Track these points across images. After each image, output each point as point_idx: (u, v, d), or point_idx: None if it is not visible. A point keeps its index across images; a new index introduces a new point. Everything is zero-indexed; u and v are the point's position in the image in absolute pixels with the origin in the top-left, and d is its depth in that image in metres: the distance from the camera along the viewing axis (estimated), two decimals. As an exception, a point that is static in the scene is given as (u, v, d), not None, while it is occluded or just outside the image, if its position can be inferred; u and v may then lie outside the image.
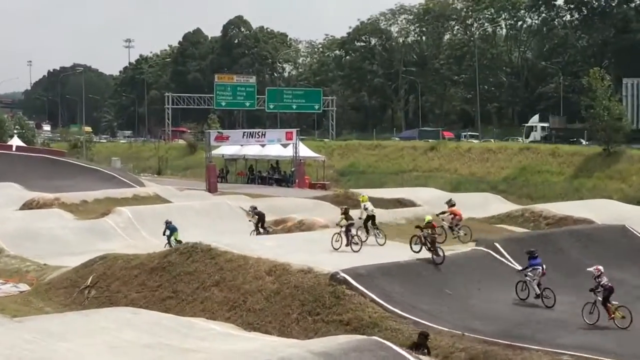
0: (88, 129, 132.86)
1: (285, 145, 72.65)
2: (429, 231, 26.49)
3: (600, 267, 22.49)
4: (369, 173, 79.76)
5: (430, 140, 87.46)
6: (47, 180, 59.93)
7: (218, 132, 72.42)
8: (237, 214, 43.80)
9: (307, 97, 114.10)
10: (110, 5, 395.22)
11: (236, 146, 74.26)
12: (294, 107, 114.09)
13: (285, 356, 15.87)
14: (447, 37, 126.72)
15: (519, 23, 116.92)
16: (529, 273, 24.48)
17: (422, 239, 26.52)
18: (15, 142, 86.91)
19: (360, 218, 29.33)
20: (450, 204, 31.66)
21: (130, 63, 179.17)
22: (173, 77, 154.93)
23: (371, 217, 29.58)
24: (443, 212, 29.95)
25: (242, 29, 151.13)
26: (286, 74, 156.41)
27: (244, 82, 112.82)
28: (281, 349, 16.56)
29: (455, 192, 58.77)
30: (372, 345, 16.95)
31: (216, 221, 41.44)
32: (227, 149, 75.74)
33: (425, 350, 16.81)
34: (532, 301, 24.29)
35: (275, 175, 73.88)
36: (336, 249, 27.77)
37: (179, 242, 33.24)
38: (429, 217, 27.71)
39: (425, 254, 26.65)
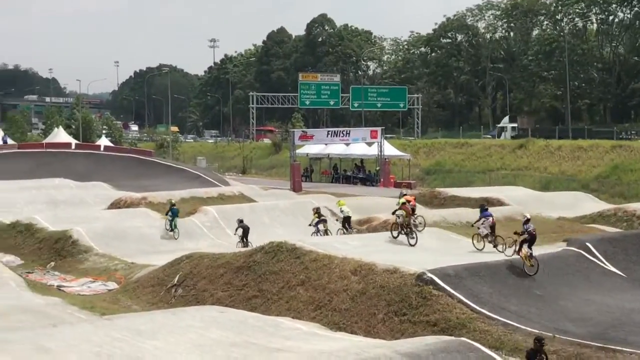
0: (174, 128, 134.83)
1: (370, 144, 72.56)
2: (404, 213, 29.68)
3: (527, 214, 26.88)
4: (455, 172, 79.09)
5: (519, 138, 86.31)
6: (134, 179, 61.03)
7: (302, 131, 72.75)
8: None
9: (392, 95, 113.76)
10: (195, 6, 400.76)
11: (320, 145, 74.44)
12: (379, 105, 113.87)
13: (372, 356, 15.88)
14: (535, 32, 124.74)
15: (611, 17, 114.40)
16: (480, 225, 28.19)
17: (398, 224, 29.93)
18: (104, 142, 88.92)
19: (337, 220, 36.20)
20: (402, 194, 34.49)
21: (215, 63, 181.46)
22: (257, 77, 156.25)
23: (346, 219, 36.02)
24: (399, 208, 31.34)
25: (326, 27, 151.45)
26: (371, 72, 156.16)
27: (328, 81, 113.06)
28: (368, 349, 16.57)
29: (544, 191, 57.99)
30: (461, 346, 16.85)
31: (301, 220, 41.60)
32: (311, 148, 76.00)
33: (544, 356, 16.38)
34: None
35: (359, 174, 73.84)
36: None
37: (175, 228, 39.26)
38: (402, 200, 30.94)
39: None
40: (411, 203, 31.56)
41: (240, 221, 37.40)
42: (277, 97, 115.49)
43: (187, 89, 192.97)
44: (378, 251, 27.15)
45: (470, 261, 25.25)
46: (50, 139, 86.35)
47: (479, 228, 28.29)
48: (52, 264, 35.16)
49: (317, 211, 36.86)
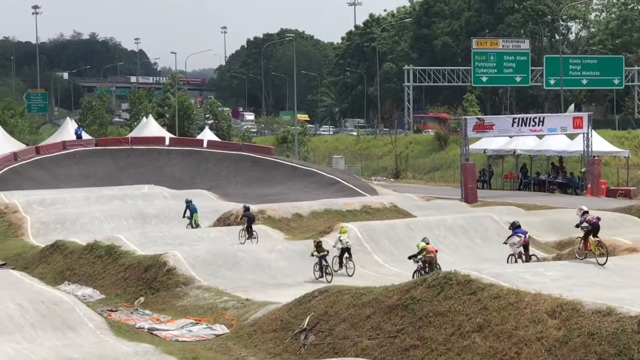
0: (303, 116, 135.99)
1: (572, 137, 71.67)
2: (424, 255, 34.01)
3: (584, 207, 31.62)
4: (695, 174, 77.39)
5: None
6: (248, 186, 62.01)
7: (477, 118, 72.45)
8: (505, 232, 43.61)
9: (602, 67, 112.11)
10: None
11: (503, 138, 73.99)
12: (584, 82, 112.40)
13: None
14: None
15: None
16: (512, 241, 34.56)
17: (420, 270, 33.75)
18: (207, 135, 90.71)
19: (334, 246, 38.06)
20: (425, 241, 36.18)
21: (356, 26, 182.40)
22: (415, 44, 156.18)
23: (346, 250, 38.03)
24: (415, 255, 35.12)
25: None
26: (572, 36, 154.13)
27: (513, 49, 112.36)
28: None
29: None
30: None
31: (477, 242, 41.51)
32: (490, 142, 75.62)
33: None
34: None
35: (558, 178, 73.12)
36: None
37: (197, 225, 47.16)
38: (422, 244, 34.53)
39: None
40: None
41: (246, 209, 44.30)
42: (441, 72, 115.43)
43: (319, 62, 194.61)
44: (585, 285, 26.80)
45: None
46: (137, 132, 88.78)
47: (516, 246, 34.40)
48: (142, 299, 36.05)
49: (318, 244, 38.06)
